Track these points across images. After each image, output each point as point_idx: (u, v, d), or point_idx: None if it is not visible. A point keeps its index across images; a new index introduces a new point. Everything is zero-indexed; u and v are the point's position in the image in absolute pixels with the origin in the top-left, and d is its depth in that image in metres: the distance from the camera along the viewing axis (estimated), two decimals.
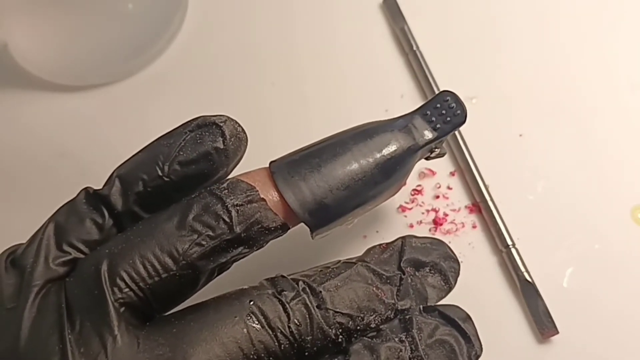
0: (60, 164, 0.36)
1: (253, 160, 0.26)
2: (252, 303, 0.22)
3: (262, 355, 0.21)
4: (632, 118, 0.36)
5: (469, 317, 0.23)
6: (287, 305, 0.22)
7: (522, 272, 0.32)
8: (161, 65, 0.39)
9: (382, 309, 0.23)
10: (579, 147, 0.36)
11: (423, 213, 0.34)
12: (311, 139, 0.26)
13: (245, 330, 0.21)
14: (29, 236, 0.23)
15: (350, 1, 0.41)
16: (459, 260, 0.26)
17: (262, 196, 0.23)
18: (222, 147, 0.24)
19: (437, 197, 0.35)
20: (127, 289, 0.21)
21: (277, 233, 0.24)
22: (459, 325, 0.23)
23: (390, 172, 0.25)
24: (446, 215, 0.34)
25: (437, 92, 0.31)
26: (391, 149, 0.25)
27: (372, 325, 0.23)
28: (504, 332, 0.32)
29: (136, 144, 0.25)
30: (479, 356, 0.23)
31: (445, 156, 0.36)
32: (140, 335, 0.21)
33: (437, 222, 0.34)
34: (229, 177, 0.24)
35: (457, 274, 0.25)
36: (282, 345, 0.21)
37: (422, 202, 0.34)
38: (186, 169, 0.24)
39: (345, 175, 0.24)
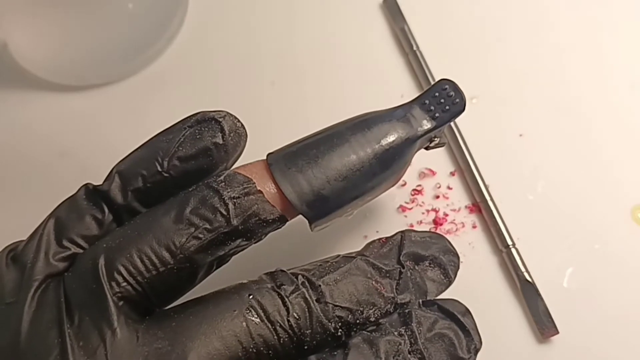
0: (60, 164, 0.36)
1: (252, 160, 0.26)
2: (251, 297, 0.22)
3: (262, 349, 0.21)
4: (631, 118, 0.36)
5: (468, 311, 0.23)
6: (286, 299, 0.22)
7: (522, 272, 0.32)
8: (161, 65, 0.39)
9: (381, 302, 0.23)
10: (579, 147, 0.36)
11: (423, 213, 0.34)
12: None
13: (244, 324, 0.21)
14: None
15: (350, 1, 0.41)
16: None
17: (259, 188, 0.23)
18: (221, 142, 0.24)
19: (437, 197, 0.35)
20: (125, 283, 0.21)
21: (275, 225, 0.24)
22: (458, 319, 0.23)
23: (389, 163, 0.25)
24: (446, 215, 0.34)
25: None
26: (389, 139, 0.25)
27: (372, 319, 0.23)
28: (504, 332, 0.32)
29: (136, 143, 0.25)
30: (478, 350, 0.23)
31: (446, 156, 0.36)
32: (139, 329, 0.21)
33: (437, 222, 0.34)
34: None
35: (457, 267, 0.25)
36: (282, 339, 0.21)
37: (422, 202, 0.34)
38: (185, 164, 0.24)
39: (343, 166, 0.24)
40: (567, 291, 0.32)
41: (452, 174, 0.35)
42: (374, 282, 0.23)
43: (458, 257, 0.25)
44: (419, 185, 0.35)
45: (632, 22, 0.39)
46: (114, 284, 0.21)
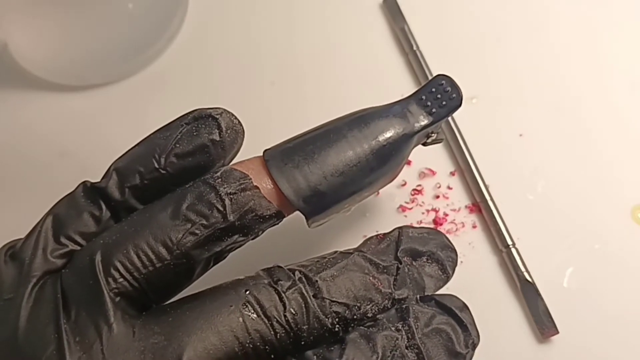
0: (60, 164, 0.36)
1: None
2: (248, 292, 0.22)
3: (258, 344, 0.21)
4: (631, 118, 0.36)
5: (465, 306, 0.23)
6: (283, 295, 0.22)
7: (522, 272, 0.32)
8: (161, 65, 0.39)
9: (378, 298, 0.23)
10: (579, 147, 0.36)
11: (423, 213, 0.34)
12: None
13: (241, 319, 0.21)
14: None
15: (350, 1, 0.41)
16: (459, 260, 0.26)
17: (255, 184, 0.23)
18: (218, 139, 0.24)
19: (437, 197, 0.35)
20: (121, 279, 0.21)
21: (271, 221, 0.24)
22: (456, 314, 0.23)
23: (386, 158, 0.25)
24: (446, 215, 0.34)
25: None
26: (386, 135, 0.25)
27: (369, 315, 0.23)
28: (504, 332, 0.31)
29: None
30: (476, 344, 0.23)
31: (446, 156, 0.36)
32: (136, 324, 0.21)
33: (437, 222, 0.34)
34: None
35: (455, 263, 0.25)
36: (278, 334, 0.21)
37: (422, 202, 0.34)
38: (183, 161, 0.24)
39: (340, 162, 0.24)
40: (567, 291, 0.32)
41: (452, 173, 0.35)
42: (371, 278, 0.23)
43: (456, 253, 0.25)
44: (419, 185, 0.35)
45: (632, 22, 0.39)
46: (110, 279, 0.21)
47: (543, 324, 0.31)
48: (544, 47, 0.39)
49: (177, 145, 0.24)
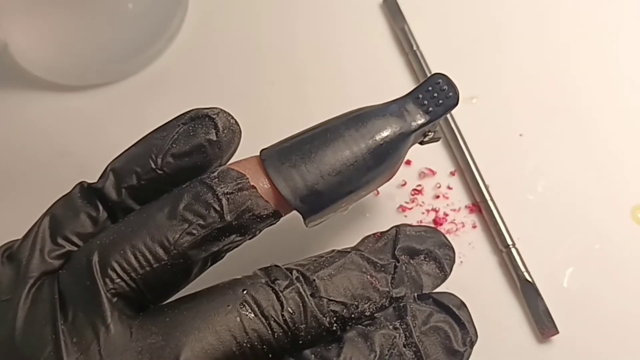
0: (60, 164, 0.36)
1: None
2: (245, 292, 0.22)
3: (256, 343, 0.21)
4: (632, 117, 0.36)
5: (463, 304, 0.23)
6: (281, 294, 0.22)
7: (522, 272, 0.32)
8: (161, 65, 0.39)
9: (376, 297, 0.23)
10: (579, 147, 0.36)
11: (423, 213, 0.34)
12: None
13: (238, 319, 0.21)
14: None
15: (350, 1, 0.41)
16: (459, 260, 0.26)
17: (252, 184, 0.23)
18: (215, 139, 0.24)
19: (437, 197, 0.35)
20: (118, 280, 0.21)
21: (269, 221, 0.24)
22: (454, 312, 0.23)
23: (383, 158, 0.25)
24: (446, 215, 0.34)
25: None
26: (383, 134, 0.25)
27: (367, 314, 0.23)
28: (504, 332, 0.31)
29: None
30: (473, 342, 0.23)
31: (446, 156, 0.36)
32: (133, 324, 0.21)
33: (437, 222, 0.34)
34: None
35: (453, 261, 0.25)
36: (276, 334, 0.21)
37: (422, 202, 0.34)
38: (179, 161, 0.24)
39: (337, 161, 0.24)
40: (567, 291, 0.32)
41: (452, 173, 0.35)
42: (368, 277, 0.23)
43: (453, 251, 0.25)
44: (419, 185, 0.35)
45: (633, 22, 0.39)
46: (107, 280, 0.21)
47: (543, 324, 0.31)
48: (544, 47, 0.39)
49: (174, 146, 0.24)
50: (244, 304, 0.21)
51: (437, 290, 0.25)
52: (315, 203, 0.24)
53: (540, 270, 0.32)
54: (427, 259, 0.25)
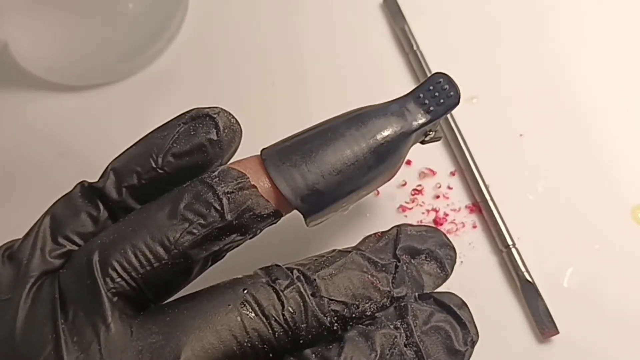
0: (60, 164, 0.36)
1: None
2: (245, 291, 0.22)
3: (256, 343, 0.21)
4: (632, 117, 0.36)
5: (464, 304, 0.23)
6: (281, 294, 0.22)
7: (522, 272, 0.32)
8: (161, 65, 0.39)
9: (377, 296, 0.23)
10: (579, 147, 0.36)
11: (423, 213, 0.34)
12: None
13: (239, 318, 0.21)
14: None
15: (350, 1, 0.41)
16: (459, 260, 0.26)
17: (253, 183, 0.23)
18: (215, 138, 0.24)
19: (438, 197, 0.35)
20: (119, 279, 0.21)
21: (269, 220, 0.24)
22: (455, 311, 0.23)
23: (384, 157, 0.25)
24: (446, 215, 0.34)
25: None
26: (384, 133, 0.25)
27: (368, 313, 0.23)
28: (504, 332, 0.31)
29: None
30: (474, 342, 0.23)
31: (446, 156, 0.36)
32: (133, 324, 0.21)
33: (437, 222, 0.34)
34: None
35: (454, 261, 0.25)
36: (277, 333, 0.21)
37: (423, 202, 0.34)
38: (180, 161, 0.24)
39: (338, 161, 0.24)
40: (567, 291, 0.32)
41: (452, 173, 0.35)
42: (369, 276, 0.23)
43: (455, 251, 0.25)
44: (419, 185, 0.35)
45: (633, 22, 0.39)
46: (108, 279, 0.21)
47: (543, 324, 0.31)
48: (544, 47, 0.39)
49: (175, 145, 0.24)
50: (245, 303, 0.21)
51: (438, 290, 0.25)
52: (316, 202, 0.24)
53: (540, 270, 0.32)
54: (428, 259, 0.25)
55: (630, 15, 0.40)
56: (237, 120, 0.25)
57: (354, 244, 0.26)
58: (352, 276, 0.23)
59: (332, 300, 0.22)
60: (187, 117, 0.24)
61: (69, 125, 0.37)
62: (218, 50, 0.40)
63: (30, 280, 0.21)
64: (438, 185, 0.35)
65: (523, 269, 0.32)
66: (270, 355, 0.22)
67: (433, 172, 0.35)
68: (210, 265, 0.24)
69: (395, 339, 0.22)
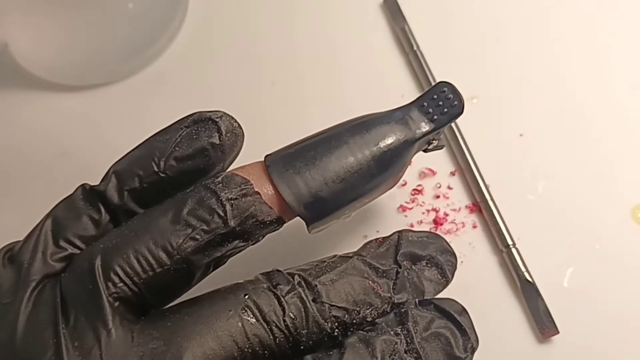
0: (60, 164, 0.36)
1: (253, 161, 0.26)
2: (247, 297, 0.22)
3: (257, 348, 0.21)
4: (631, 118, 0.36)
5: (464, 310, 0.23)
6: (282, 299, 0.22)
7: (522, 272, 0.32)
8: (161, 65, 0.39)
9: (378, 302, 0.23)
10: (579, 147, 0.36)
11: (423, 213, 0.34)
12: None
13: (240, 324, 0.21)
14: None
15: (350, 1, 0.41)
16: (459, 259, 0.26)
17: (256, 190, 0.23)
18: (218, 142, 0.24)
19: (438, 197, 0.35)
20: (121, 284, 0.21)
21: (272, 227, 0.24)
22: (455, 318, 0.23)
23: (387, 165, 0.25)
24: (446, 215, 0.34)
25: None
26: (388, 141, 0.25)
27: (368, 319, 0.23)
28: (504, 332, 0.32)
29: (136, 143, 0.25)
30: (475, 349, 0.23)
31: (446, 156, 0.36)
32: (134, 329, 0.21)
33: (437, 222, 0.34)
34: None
35: (454, 267, 0.25)
36: (277, 339, 0.21)
37: (423, 202, 0.34)
38: (182, 164, 0.24)
39: (341, 168, 0.24)
40: (567, 291, 0.32)
41: (452, 173, 0.35)
42: (370, 282, 0.23)
43: (455, 257, 0.25)
44: (419, 185, 0.35)
45: (633, 22, 0.39)
46: (110, 284, 0.21)
47: (543, 324, 0.31)
48: (544, 47, 0.39)
49: (177, 149, 0.24)
50: (246, 308, 0.21)
51: (439, 295, 0.25)
52: (319, 210, 0.24)
53: (540, 270, 0.32)
54: (429, 265, 0.25)
55: (630, 16, 0.40)
56: (239, 124, 0.25)
57: (354, 244, 0.26)
58: (353, 282, 0.23)
59: (333, 306, 0.22)
60: (189, 120, 0.24)
61: (68, 125, 0.37)
62: (218, 50, 0.40)
63: (32, 283, 0.21)
64: (438, 185, 0.35)
65: (523, 269, 0.32)
66: None
67: (433, 172, 0.35)
68: (212, 271, 0.24)
69: (396, 345, 0.22)
